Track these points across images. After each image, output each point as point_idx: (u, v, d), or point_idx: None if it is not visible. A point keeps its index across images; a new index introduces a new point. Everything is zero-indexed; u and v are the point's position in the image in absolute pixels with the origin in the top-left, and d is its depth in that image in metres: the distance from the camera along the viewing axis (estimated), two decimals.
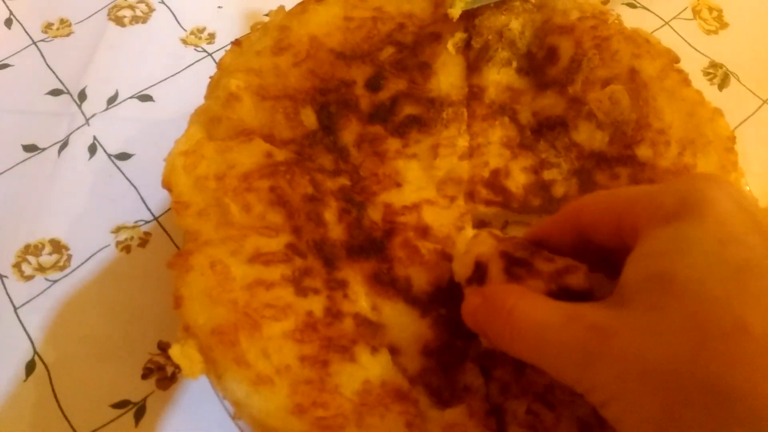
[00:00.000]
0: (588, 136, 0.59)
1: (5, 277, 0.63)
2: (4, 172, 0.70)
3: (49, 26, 0.81)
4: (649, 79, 0.58)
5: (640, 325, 0.31)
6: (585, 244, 0.41)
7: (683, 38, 0.78)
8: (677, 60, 0.60)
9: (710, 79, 0.74)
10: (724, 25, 0.79)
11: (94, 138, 0.71)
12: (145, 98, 0.75)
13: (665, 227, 0.33)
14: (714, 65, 0.76)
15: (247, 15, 0.82)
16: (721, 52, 0.77)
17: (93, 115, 0.73)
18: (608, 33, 0.61)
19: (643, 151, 0.56)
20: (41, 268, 0.64)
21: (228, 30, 0.81)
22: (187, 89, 0.74)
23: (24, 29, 0.81)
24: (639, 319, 0.31)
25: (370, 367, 0.47)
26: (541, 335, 0.35)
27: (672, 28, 0.79)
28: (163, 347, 0.59)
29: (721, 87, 0.74)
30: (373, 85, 0.62)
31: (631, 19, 0.63)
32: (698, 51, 0.77)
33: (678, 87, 0.58)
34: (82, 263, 0.64)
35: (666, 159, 0.56)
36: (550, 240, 0.43)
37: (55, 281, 0.63)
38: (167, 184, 0.54)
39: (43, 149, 0.71)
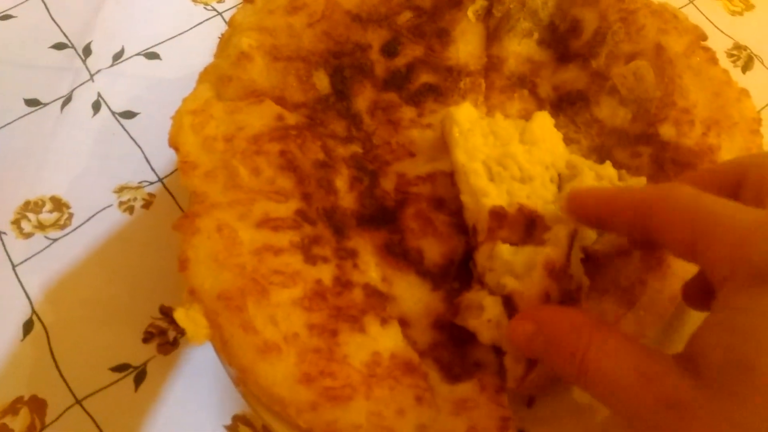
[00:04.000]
0: (610, 112, 0.57)
1: (4, 233, 0.62)
2: (4, 126, 0.68)
3: None
4: (675, 55, 0.57)
5: (721, 414, 0.29)
6: (643, 234, 0.37)
7: (707, 18, 0.76)
8: (705, 37, 0.58)
9: (734, 61, 0.73)
10: (749, 7, 0.78)
11: (99, 95, 0.70)
12: (152, 56, 0.73)
13: (750, 290, 0.30)
14: (738, 47, 0.74)
15: None
16: (745, 34, 0.75)
17: (98, 71, 0.71)
18: (634, 6, 0.59)
19: (666, 130, 0.55)
20: (41, 226, 0.62)
21: None
22: (195, 48, 0.73)
23: None
24: (719, 406, 0.30)
25: (380, 339, 0.46)
26: (614, 392, 0.33)
27: (696, 7, 0.77)
28: (166, 311, 0.58)
29: (744, 69, 0.73)
30: (389, 50, 0.60)
31: None
32: (722, 32, 0.75)
33: (704, 65, 0.57)
34: (84, 222, 0.62)
35: (690, 139, 0.54)
36: (606, 213, 0.39)
37: (55, 240, 0.61)
38: (174, 143, 0.52)
39: (46, 104, 0.69)
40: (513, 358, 0.43)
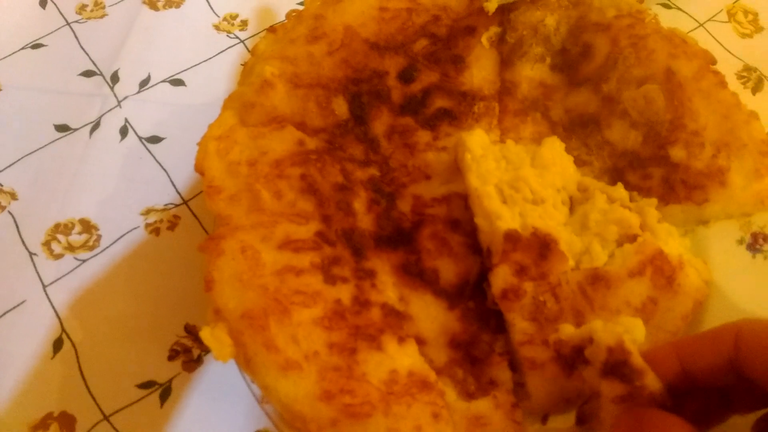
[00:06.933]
0: (621, 135, 0.58)
1: (35, 254, 0.64)
2: (35, 151, 0.70)
3: (83, 8, 0.81)
4: (684, 79, 0.58)
5: None
6: (737, 377, 0.37)
7: (717, 41, 0.77)
8: (714, 61, 0.60)
9: (744, 83, 0.74)
10: (759, 29, 0.78)
11: (126, 120, 0.72)
12: (177, 83, 0.75)
13: None
14: (748, 69, 0.75)
15: (279, 3, 0.82)
16: (755, 56, 0.76)
17: (125, 98, 0.74)
18: (645, 32, 0.61)
19: (676, 152, 0.56)
20: (71, 247, 0.64)
21: (260, 17, 0.81)
22: (218, 75, 0.75)
23: (58, 10, 0.81)
24: None
25: (397, 357, 0.47)
26: None
27: (706, 29, 0.78)
28: (190, 330, 0.60)
29: (754, 91, 0.73)
30: (406, 76, 0.62)
31: (665, 20, 0.63)
32: (732, 54, 0.76)
33: (714, 89, 0.58)
34: (112, 244, 0.65)
35: (700, 161, 0.55)
36: (695, 362, 0.38)
37: (84, 261, 0.64)
38: (200, 168, 0.54)
39: (75, 129, 0.72)
40: None
